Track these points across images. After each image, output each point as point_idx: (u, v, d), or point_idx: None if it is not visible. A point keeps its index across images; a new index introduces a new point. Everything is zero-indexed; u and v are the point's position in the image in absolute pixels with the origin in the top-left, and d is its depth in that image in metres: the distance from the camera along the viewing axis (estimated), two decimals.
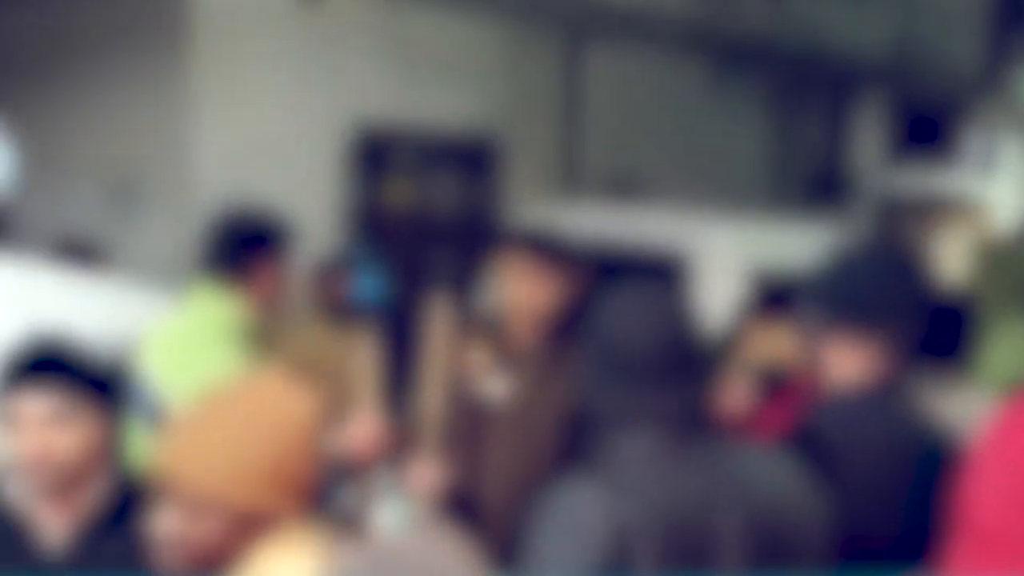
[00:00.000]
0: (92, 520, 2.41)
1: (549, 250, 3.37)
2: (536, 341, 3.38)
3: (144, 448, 2.95)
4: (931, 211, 13.47)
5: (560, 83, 9.34)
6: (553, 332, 3.34)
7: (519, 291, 3.34)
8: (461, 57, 8.38)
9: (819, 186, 12.88)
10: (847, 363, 2.43)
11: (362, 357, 3.34)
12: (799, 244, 6.37)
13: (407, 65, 7.98)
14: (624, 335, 2.09)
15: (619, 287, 2.20)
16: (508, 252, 3.40)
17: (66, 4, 7.31)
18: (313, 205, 7.56)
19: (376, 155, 7.99)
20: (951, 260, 11.93)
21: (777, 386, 3.41)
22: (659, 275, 5.93)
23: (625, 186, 9.36)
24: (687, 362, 2.11)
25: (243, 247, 3.51)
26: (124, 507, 2.43)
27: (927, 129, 14.82)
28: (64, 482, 2.38)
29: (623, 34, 9.68)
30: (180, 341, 3.42)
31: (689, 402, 2.10)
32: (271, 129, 7.23)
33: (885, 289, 2.43)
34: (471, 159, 8.68)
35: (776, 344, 3.39)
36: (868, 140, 13.74)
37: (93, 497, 2.42)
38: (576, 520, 1.96)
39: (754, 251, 5.84)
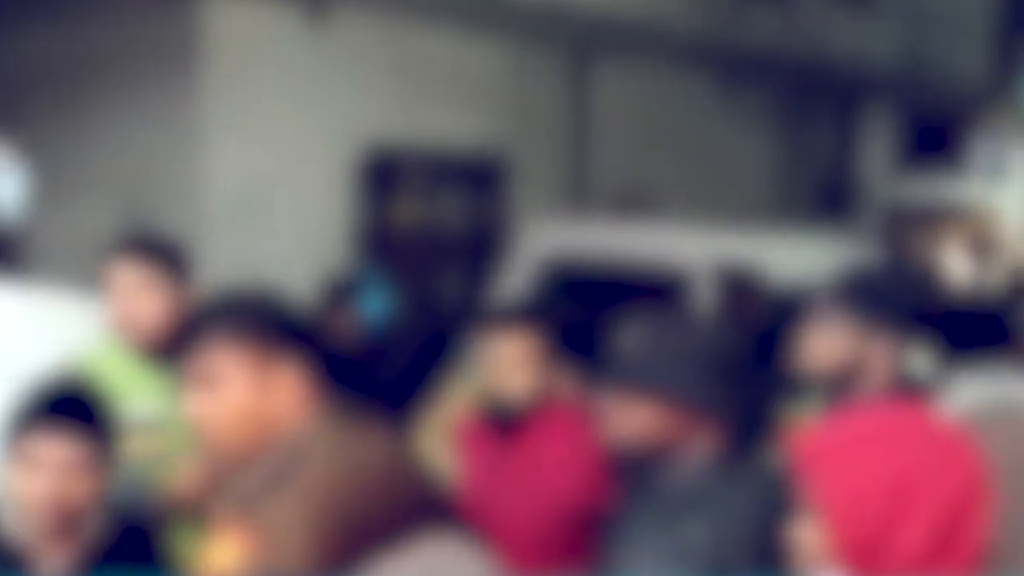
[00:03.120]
0: (92, 555, 2.40)
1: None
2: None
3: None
4: (940, 220, 13.47)
5: (567, 100, 9.38)
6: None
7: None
8: (468, 76, 8.42)
9: (828, 197, 12.89)
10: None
11: None
12: (808, 257, 6.39)
13: (415, 85, 8.03)
14: (716, 337, 2.17)
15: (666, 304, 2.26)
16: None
17: (79, 28, 7.38)
18: (322, 225, 7.61)
19: (384, 175, 8.04)
20: (961, 267, 11.93)
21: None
22: (666, 291, 5.95)
23: (634, 201, 9.39)
24: (758, 372, 2.21)
25: None
26: (122, 541, 2.43)
27: (935, 138, 14.82)
28: (73, 524, 2.37)
29: (629, 50, 9.72)
30: None
31: (758, 405, 2.18)
32: (281, 150, 7.28)
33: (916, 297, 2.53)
34: (479, 177, 8.71)
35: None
36: (876, 150, 13.75)
37: (92, 532, 2.41)
38: (680, 546, 2.02)
39: (763, 265, 5.85)
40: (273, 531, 1.99)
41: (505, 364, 3.11)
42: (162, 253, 3.24)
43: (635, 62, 9.84)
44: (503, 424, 3.15)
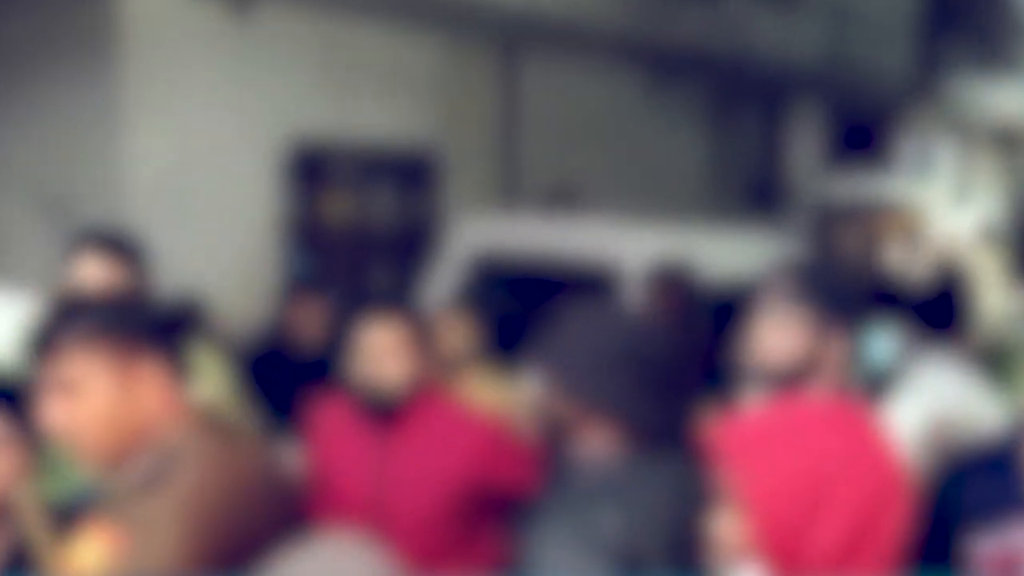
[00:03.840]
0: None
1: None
2: None
3: None
4: (868, 216, 13.63)
5: (497, 95, 9.35)
6: None
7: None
8: (398, 71, 8.35)
9: (757, 193, 13.00)
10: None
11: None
12: (740, 253, 6.41)
13: (343, 79, 7.94)
14: (627, 336, 2.23)
15: (598, 297, 2.32)
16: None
17: None
18: (250, 220, 7.50)
19: (313, 169, 7.94)
20: (898, 262, 12.08)
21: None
22: (598, 287, 5.93)
23: (565, 197, 9.38)
24: (677, 371, 2.26)
25: None
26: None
27: (862, 136, 15.01)
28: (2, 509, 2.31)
29: (560, 46, 9.70)
30: None
31: (669, 404, 2.22)
32: (205, 143, 7.16)
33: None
34: (409, 173, 8.65)
35: None
36: (804, 147, 13.89)
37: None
38: (589, 532, 2.06)
39: (693, 261, 5.85)
40: (143, 532, 1.93)
41: (378, 352, 3.07)
42: (126, 247, 3.30)
43: (565, 58, 9.83)
44: (380, 413, 3.11)
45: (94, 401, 2.00)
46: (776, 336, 2.52)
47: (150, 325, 2.10)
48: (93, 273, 3.20)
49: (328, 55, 7.87)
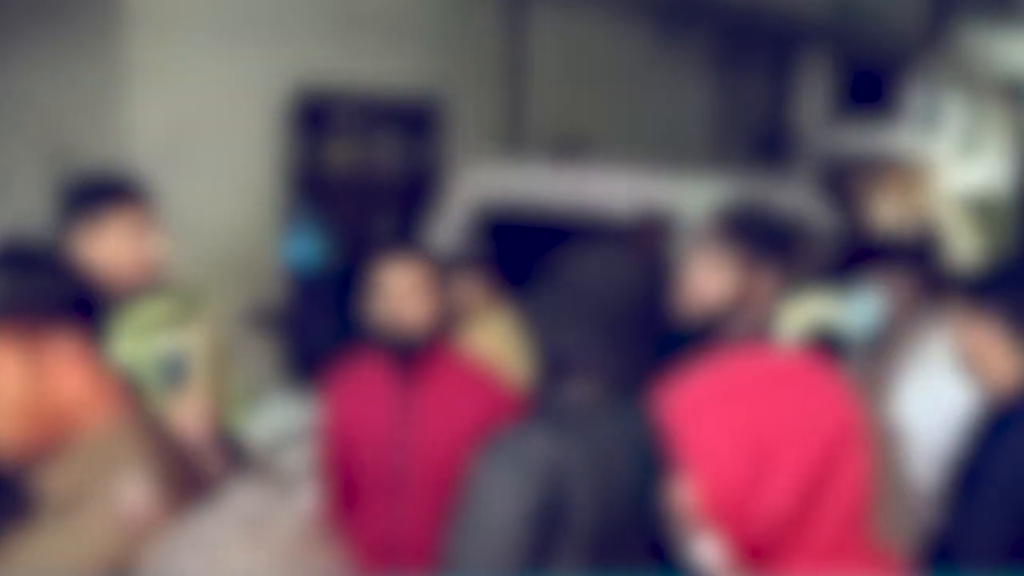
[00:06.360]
0: None
1: None
2: None
3: None
4: (874, 169, 13.57)
5: (504, 43, 9.29)
6: None
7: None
8: (403, 17, 8.30)
9: (763, 144, 12.93)
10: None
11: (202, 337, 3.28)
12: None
13: (347, 25, 7.89)
14: (603, 286, 2.22)
15: (589, 245, 2.33)
16: None
17: None
18: (253, 168, 7.49)
19: (317, 117, 7.92)
20: (892, 216, 12.05)
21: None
22: (599, 236, 5.93)
23: (570, 146, 9.35)
24: (650, 322, 2.24)
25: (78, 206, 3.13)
26: None
27: (870, 87, 14.90)
28: None
29: None
30: None
31: (638, 358, 2.21)
32: (207, 91, 7.13)
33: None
34: (414, 120, 8.62)
35: None
36: (812, 98, 13.80)
37: None
38: (520, 455, 2.10)
39: (700, 210, 5.84)
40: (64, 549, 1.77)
41: (399, 293, 3.10)
42: (146, 197, 3.16)
43: (572, 5, 9.76)
44: (401, 356, 3.15)
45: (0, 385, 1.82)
46: (702, 277, 2.51)
47: (61, 299, 1.86)
48: (125, 224, 3.07)
49: (332, 1, 7.81)
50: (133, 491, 1.78)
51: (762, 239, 2.53)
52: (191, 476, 1.92)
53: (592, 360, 2.20)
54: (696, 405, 1.87)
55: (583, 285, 2.23)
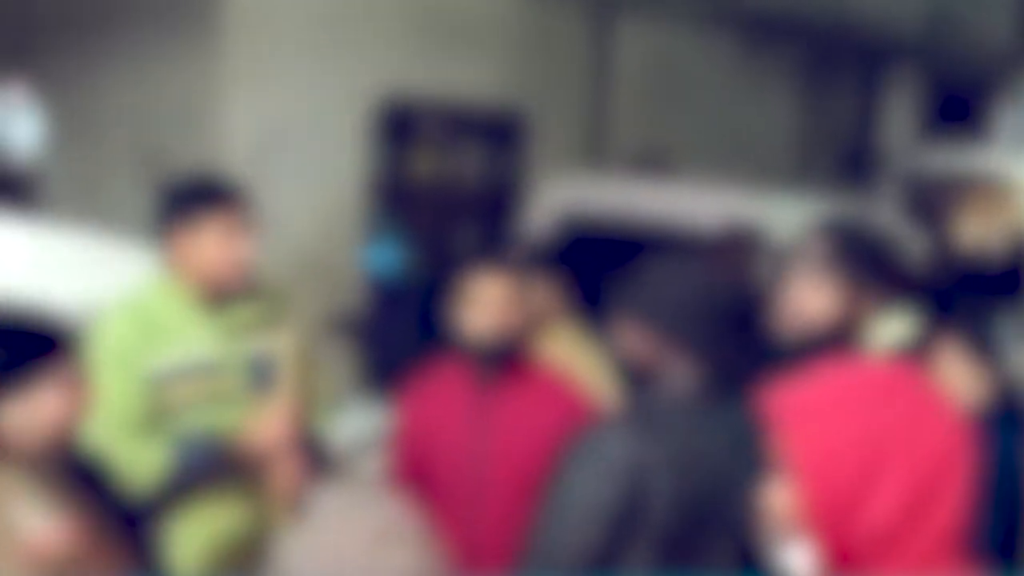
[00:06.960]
0: None
1: None
2: None
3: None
4: (962, 189, 13.34)
5: (589, 55, 9.30)
6: None
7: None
8: (489, 28, 8.34)
9: (849, 162, 12.78)
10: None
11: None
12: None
13: (435, 36, 7.95)
14: (693, 294, 2.29)
15: (675, 256, 2.42)
16: None
17: None
18: (339, 177, 7.57)
19: (402, 126, 7.98)
20: (980, 236, 11.83)
21: None
22: (681, 250, 5.90)
23: (652, 160, 9.32)
24: (742, 328, 2.31)
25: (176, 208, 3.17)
26: None
27: (959, 106, 14.66)
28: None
29: (653, 6, 9.61)
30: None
31: (733, 362, 2.28)
32: (298, 99, 7.22)
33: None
34: (497, 132, 8.65)
35: None
36: (899, 116, 13.61)
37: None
38: (601, 453, 2.17)
39: (789, 228, 5.80)
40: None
41: (484, 305, 3.15)
42: (242, 200, 3.21)
43: (658, 18, 9.74)
44: (485, 365, 3.19)
45: None
46: (808, 298, 2.49)
47: None
48: (217, 226, 3.11)
49: (420, 13, 7.88)
50: (40, 522, 1.77)
51: (869, 263, 2.51)
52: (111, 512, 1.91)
53: (701, 346, 2.25)
54: (806, 410, 1.85)
55: (689, 282, 2.30)
